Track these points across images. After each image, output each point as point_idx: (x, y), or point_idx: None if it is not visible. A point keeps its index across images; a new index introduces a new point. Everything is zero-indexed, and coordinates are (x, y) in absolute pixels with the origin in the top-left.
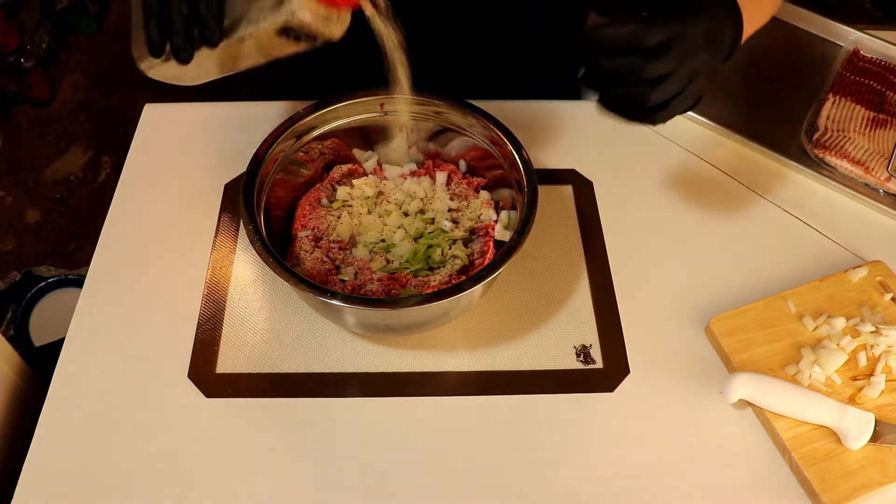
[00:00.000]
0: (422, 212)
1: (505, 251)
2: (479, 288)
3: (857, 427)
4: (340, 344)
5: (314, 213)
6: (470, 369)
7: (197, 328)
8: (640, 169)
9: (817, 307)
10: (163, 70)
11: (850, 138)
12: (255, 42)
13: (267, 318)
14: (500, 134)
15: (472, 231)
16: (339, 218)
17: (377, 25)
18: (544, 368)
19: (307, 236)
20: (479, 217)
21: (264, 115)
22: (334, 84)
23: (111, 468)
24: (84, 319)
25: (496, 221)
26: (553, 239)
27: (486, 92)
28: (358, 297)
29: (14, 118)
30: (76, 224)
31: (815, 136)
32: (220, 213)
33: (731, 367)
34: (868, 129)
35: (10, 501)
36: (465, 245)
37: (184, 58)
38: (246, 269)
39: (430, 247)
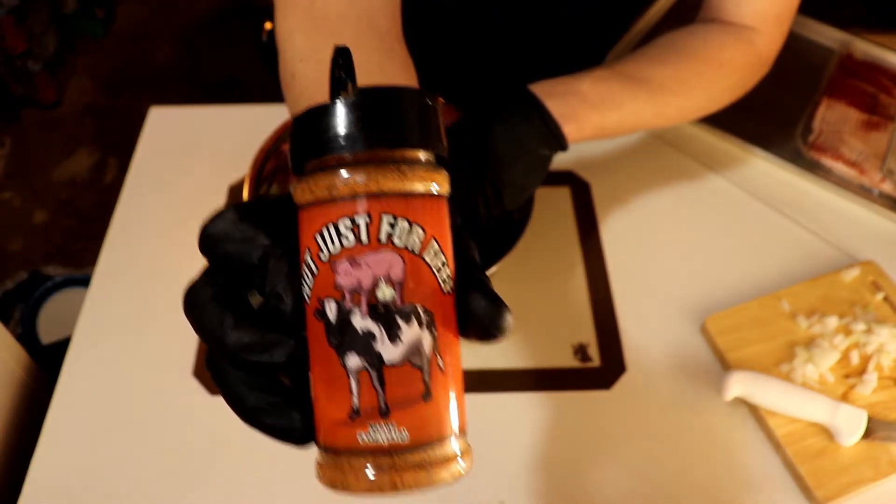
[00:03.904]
0: None
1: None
2: None
3: (849, 424)
4: None
5: None
6: (467, 367)
7: None
8: (637, 171)
9: (810, 306)
10: None
11: (844, 140)
12: None
13: None
14: None
15: None
16: None
17: None
18: (542, 366)
19: None
20: None
21: (268, 118)
22: None
23: (117, 465)
24: (90, 318)
25: None
26: (551, 239)
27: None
28: None
29: (22, 121)
30: (83, 225)
31: (810, 138)
32: None
33: (727, 366)
34: (861, 130)
35: (18, 497)
36: None
37: None
38: None
39: None
